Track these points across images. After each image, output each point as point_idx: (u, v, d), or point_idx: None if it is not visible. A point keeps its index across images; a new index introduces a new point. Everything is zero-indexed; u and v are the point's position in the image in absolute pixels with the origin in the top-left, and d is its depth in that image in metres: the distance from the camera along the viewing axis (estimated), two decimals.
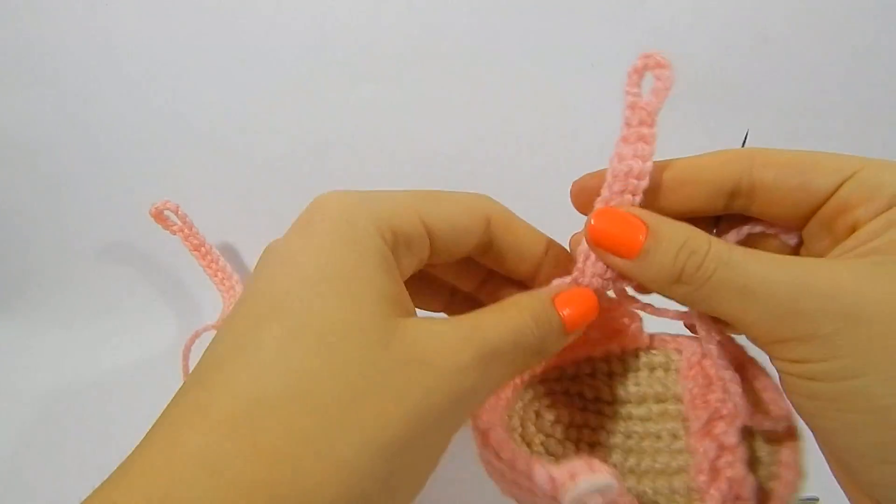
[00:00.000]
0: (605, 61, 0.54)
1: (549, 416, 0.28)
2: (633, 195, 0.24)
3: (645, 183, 0.24)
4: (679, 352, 0.28)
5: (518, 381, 0.28)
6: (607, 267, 0.25)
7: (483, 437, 0.24)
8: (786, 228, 0.26)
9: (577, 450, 0.27)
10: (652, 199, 0.25)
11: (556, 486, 0.21)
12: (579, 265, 0.26)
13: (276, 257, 0.22)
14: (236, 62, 0.56)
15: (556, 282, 0.26)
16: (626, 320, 0.28)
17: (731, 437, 0.25)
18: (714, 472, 0.24)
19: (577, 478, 0.21)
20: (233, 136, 0.58)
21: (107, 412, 0.53)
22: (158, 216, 0.38)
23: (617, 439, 0.27)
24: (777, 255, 0.22)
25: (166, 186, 0.51)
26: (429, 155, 0.56)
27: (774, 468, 0.25)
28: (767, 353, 0.23)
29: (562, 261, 0.29)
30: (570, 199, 0.28)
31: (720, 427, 0.25)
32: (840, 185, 0.23)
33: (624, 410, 0.28)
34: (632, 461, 0.27)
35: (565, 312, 0.25)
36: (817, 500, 0.38)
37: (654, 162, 0.25)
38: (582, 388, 0.29)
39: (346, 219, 0.22)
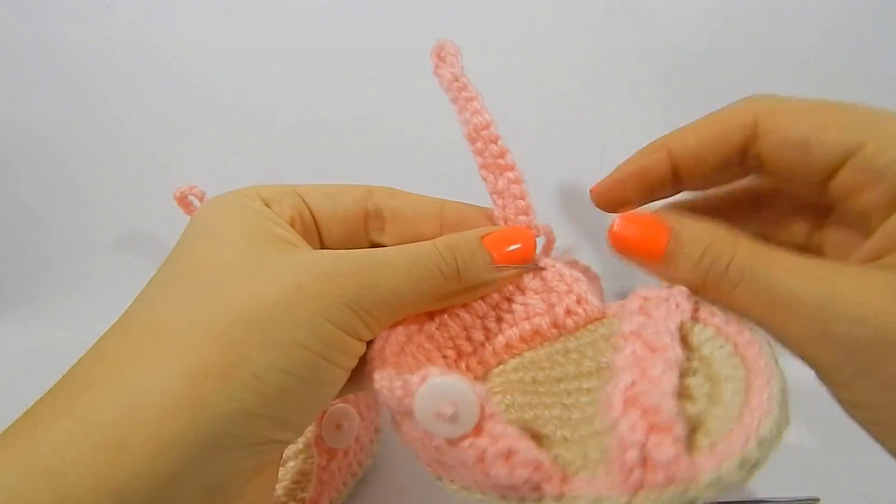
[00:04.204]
0: (605, 61, 0.54)
1: (507, 410, 0.26)
2: (494, 142, 0.27)
3: (491, 131, 0.27)
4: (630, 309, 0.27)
5: (464, 367, 0.27)
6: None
7: (369, 374, 0.24)
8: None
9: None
10: (669, 177, 0.25)
11: (409, 393, 0.20)
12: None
13: (186, 228, 0.26)
14: (259, 47, 0.57)
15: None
16: (570, 293, 0.28)
17: (656, 368, 0.21)
18: (627, 403, 0.20)
19: (427, 376, 0.20)
20: (251, 127, 0.59)
21: None
22: (182, 200, 0.38)
23: (554, 411, 0.25)
24: (803, 264, 0.21)
25: (180, 179, 0.51)
26: (428, 154, 0.56)
27: (733, 410, 0.21)
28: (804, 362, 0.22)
29: (463, 217, 0.29)
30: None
31: (647, 360, 0.21)
32: (843, 163, 0.21)
33: (573, 386, 0.26)
34: (566, 431, 0.24)
35: (497, 248, 0.26)
36: (818, 500, 0.38)
37: (661, 139, 0.25)
38: (536, 373, 0.27)
39: (225, 198, 0.27)
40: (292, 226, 0.27)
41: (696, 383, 0.22)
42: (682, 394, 0.21)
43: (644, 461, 0.18)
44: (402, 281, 0.24)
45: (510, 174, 0.28)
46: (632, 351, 0.22)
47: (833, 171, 0.22)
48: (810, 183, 0.23)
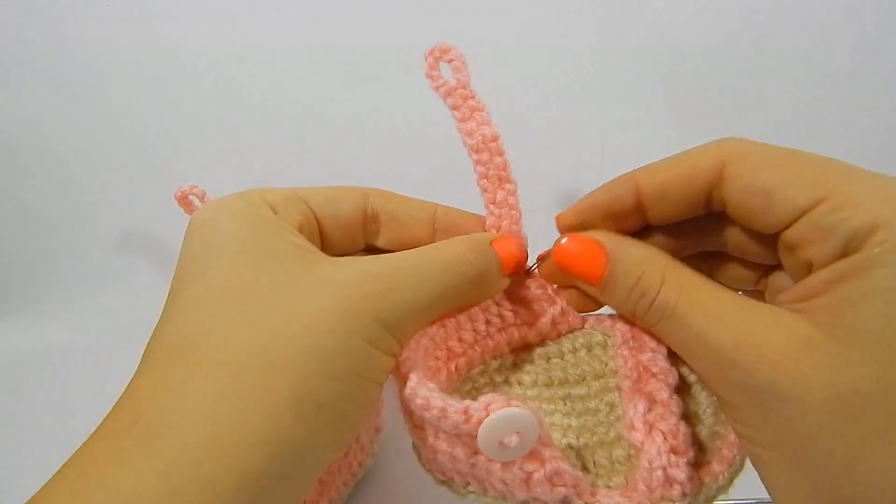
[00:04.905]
0: (605, 61, 0.55)
1: None
2: (500, 155, 0.28)
3: (499, 144, 0.28)
4: (614, 327, 0.29)
5: (453, 368, 0.27)
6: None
7: (402, 382, 0.23)
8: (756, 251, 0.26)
9: None
10: (635, 210, 0.26)
11: (470, 419, 0.20)
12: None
13: (189, 234, 0.26)
14: (259, 47, 0.57)
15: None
16: (555, 304, 0.29)
17: (663, 392, 0.24)
18: (647, 426, 0.24)
19: (491, 407, 0.20)
20: (252, 127, 0.59)
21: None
22: (183, 200, 0.38)
23: (555, 419, 0.27)
24: (721, 307, 0.22)
25: (181, 179, 0.51)
26: (427, 154, 0.56)
27: (718, 427, 0.25)
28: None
29: (456, 222, 0.30)
30: (574, 199, 0.29)
31: (651, 384, 0.25)
32: (799, 218, 0.22)
33: (563, 391, 0.28)
34: (572, 438, 0.26)
35: (502, 252, 0.27)
36: None
37: (632, 172, 0.26)
38: (521, 376, 0.28)
39: (231, 204, 0.27)
40: (300, 232, 0.27)
41: (700, 402, 0.26)
42: (686, 415, 0.25)
43: (666, 480, 0.22)
44: (434, 297, 0.24)
45: (509, 186, 0.28)
46: (635, 377, 0.25)
47: (789, 224, 0.22)
48: (766, 230, 0.24)
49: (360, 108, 0.57)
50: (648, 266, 0.24)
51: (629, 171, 0.26)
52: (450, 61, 0.29)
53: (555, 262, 0.26)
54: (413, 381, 0.23)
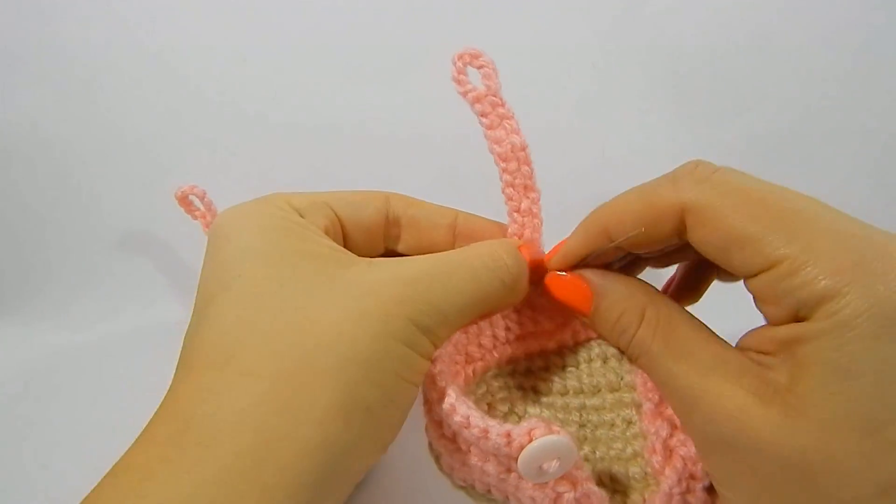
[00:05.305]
0: (605, 61, 0.55)
1: (502, 409, 0.27)
2: (528, 164, 0.28)
3: (527, 153, 0.28)
4: None
5: (470, 372, 0.27)
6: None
7: (439, 395, 0.24)
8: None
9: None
10: (614, 252, 0.27)
11: (511, 443, 0.21)
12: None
13: (217, 239, 0.26)
14: (259, 47, 0.57)
15: None
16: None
17: None
18: (667, 451, 0.25)
19: (534, 433, 0.21)
20: (252, 127, 0.59)
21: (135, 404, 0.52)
22: (183, 200, 0.37)
23: (571, 429, 0.27)
24: (693, 351, 0.23)
25: (180, 179, 0.51)
26: (429, 155, 0.56)
27: None
28: None
29: (476, 229, 0.30)
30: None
31: (671, 409, 0.25)
32: (756, 275, 0.22)
33: (578, 401, 0.28)
34: (587, 450, 0.26)
35: (528, 260, 0.27)
36: None
37: (599, 220, 0.26)
38: (536, 383, 0.29)
39: (257, 208, 0.27)
40: (326, 235, 0.27)
41: None
42: None
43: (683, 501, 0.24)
44: (469, 301, 0.24)
45: (533, 195, 0.28)
46: (656, 400, 0.26)
47: (749, 276, 0.22)
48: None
49: (360, 108, 0.57)
50: (629, 304, 0.25)
51: (594, 213, 0.26)
52: (479, 67, 0.28)
53: (549, 292, 0.27)
54: (452, 396, 0.23)
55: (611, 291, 0.26)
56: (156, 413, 0.21)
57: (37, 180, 0.61)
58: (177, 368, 0.23)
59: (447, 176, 0.55)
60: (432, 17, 0.55)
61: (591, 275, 0.27)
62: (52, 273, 0.63)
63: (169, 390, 0.22)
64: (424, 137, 0.56)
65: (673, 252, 0.28)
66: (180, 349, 0.23)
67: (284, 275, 0.23)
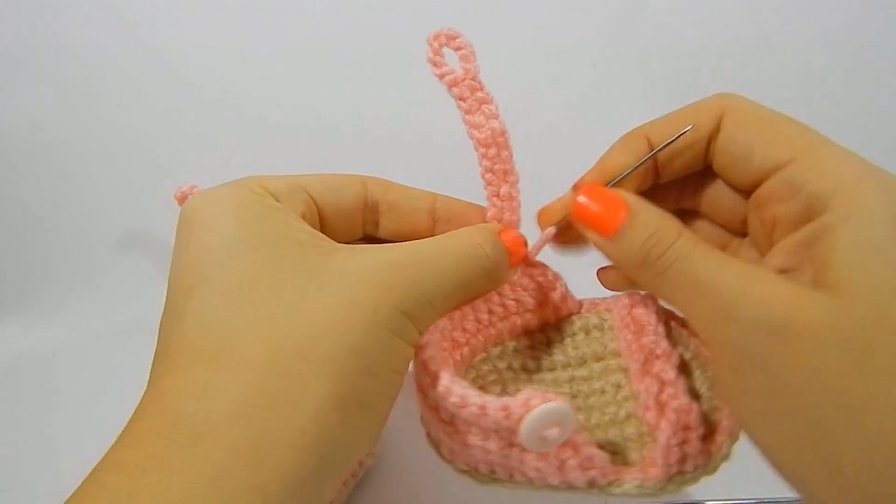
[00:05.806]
0: (605, 61, 0.55)
1: (494, 391, 0.27)
2: (507, 149, 0.27)
3: (506, 138, 0.27)
4: (609, 310, 0.29)
5: (458, 357, 0.27)
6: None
7: (433, 380, 0.23)
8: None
9: None
10: (649, 169, 0.27)
11: (510, 415, 0.21)
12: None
13: (189, 226, 0.25)
14: (259, 47, 0.57)
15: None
16: (555, 291, 0.30)
17: (669, 373, 0.25)
18: (660, 405, 0.25)
19: (532, 403, 0.21)
20: (251, 126, 0.59)
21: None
22: (183, 200, 0.38)
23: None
24: (730, 261, 0.23)
25: (180, 179, 0.51)
26: (428, 154, 0.56)
27: (716, 401, 0.25)
28: (709, 353, 0.26)
29: (456, 212, 0.30)
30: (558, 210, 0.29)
31: (657, 365, 0.26)
32: (772, 174, 0.24)
33: (566, 374, 0.28)
34: (581, 418, 0.26)
35: (509, 244, 0.27)
36: None
37: (639, 131, 0.27)
38: (524, 361, 0.29)
39: (231, 193, 0.25)
40: (289, 197, 0.26)
41: (697, 378, 0.26)
42: (692, 391, 0.25)
43: (681, 455, 0.24)
44: (453, 286, 0.24)
45: (512, 178, 0.28)
46: (641, 360, 0.26)
47: (762, 180, 0.25)
48: (741, 187, 0.26)
49: (360, 107, 0.57)
50: (665, 220, 0.25)
51: (632, 130, 0.27)
52: (457, 49, 0.28)
53: (575, 208, 0.26)
54: (445, 378, 0.23)
55: (649, 207, 0.25)
56: (137, 410, 0.21)
57: (37, 180, 0.61)
58: (154, 363, 0.22)
59: (447, 176, 0.54)
60: (432, 18, 0.55)
61: (624, 193, 0.26)
62: (51, 272, 0.63)
63: (149, 386, 0.21)
64: (424, 137, 0.55)
65: (669, 185, 0.28)
66: (156, 343, 0.22)
67: (266, 264, 0.22)
